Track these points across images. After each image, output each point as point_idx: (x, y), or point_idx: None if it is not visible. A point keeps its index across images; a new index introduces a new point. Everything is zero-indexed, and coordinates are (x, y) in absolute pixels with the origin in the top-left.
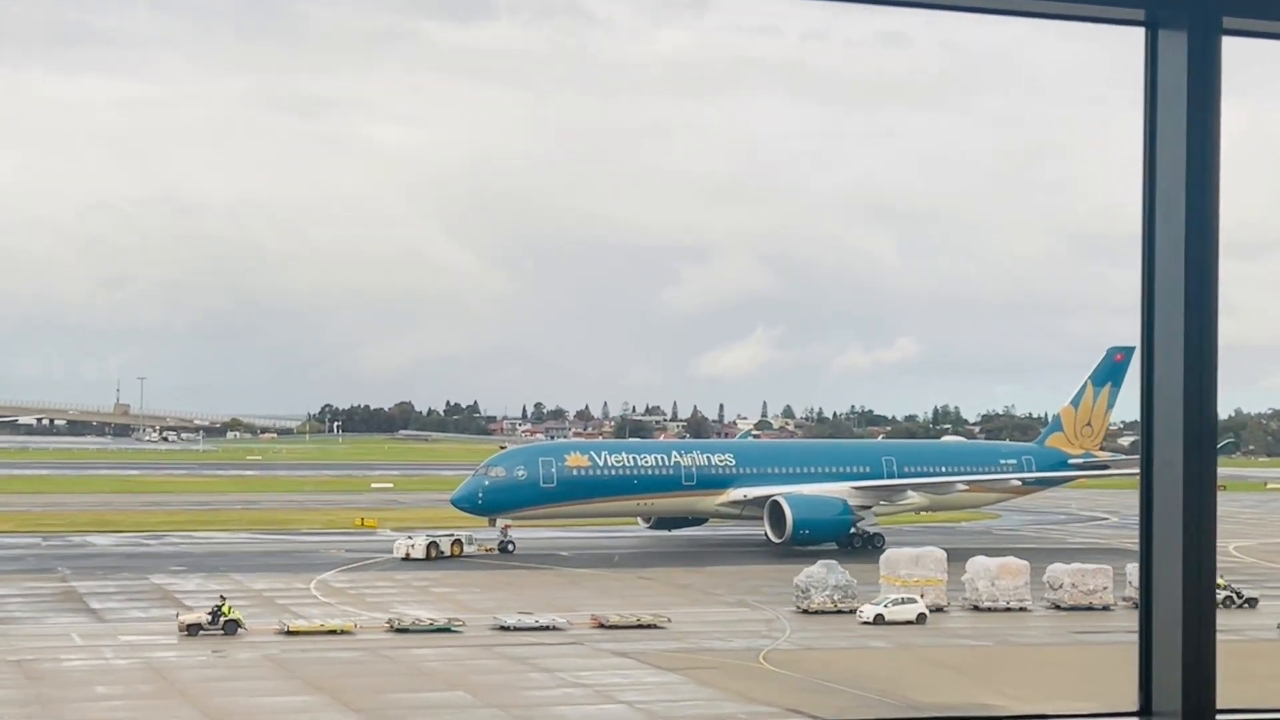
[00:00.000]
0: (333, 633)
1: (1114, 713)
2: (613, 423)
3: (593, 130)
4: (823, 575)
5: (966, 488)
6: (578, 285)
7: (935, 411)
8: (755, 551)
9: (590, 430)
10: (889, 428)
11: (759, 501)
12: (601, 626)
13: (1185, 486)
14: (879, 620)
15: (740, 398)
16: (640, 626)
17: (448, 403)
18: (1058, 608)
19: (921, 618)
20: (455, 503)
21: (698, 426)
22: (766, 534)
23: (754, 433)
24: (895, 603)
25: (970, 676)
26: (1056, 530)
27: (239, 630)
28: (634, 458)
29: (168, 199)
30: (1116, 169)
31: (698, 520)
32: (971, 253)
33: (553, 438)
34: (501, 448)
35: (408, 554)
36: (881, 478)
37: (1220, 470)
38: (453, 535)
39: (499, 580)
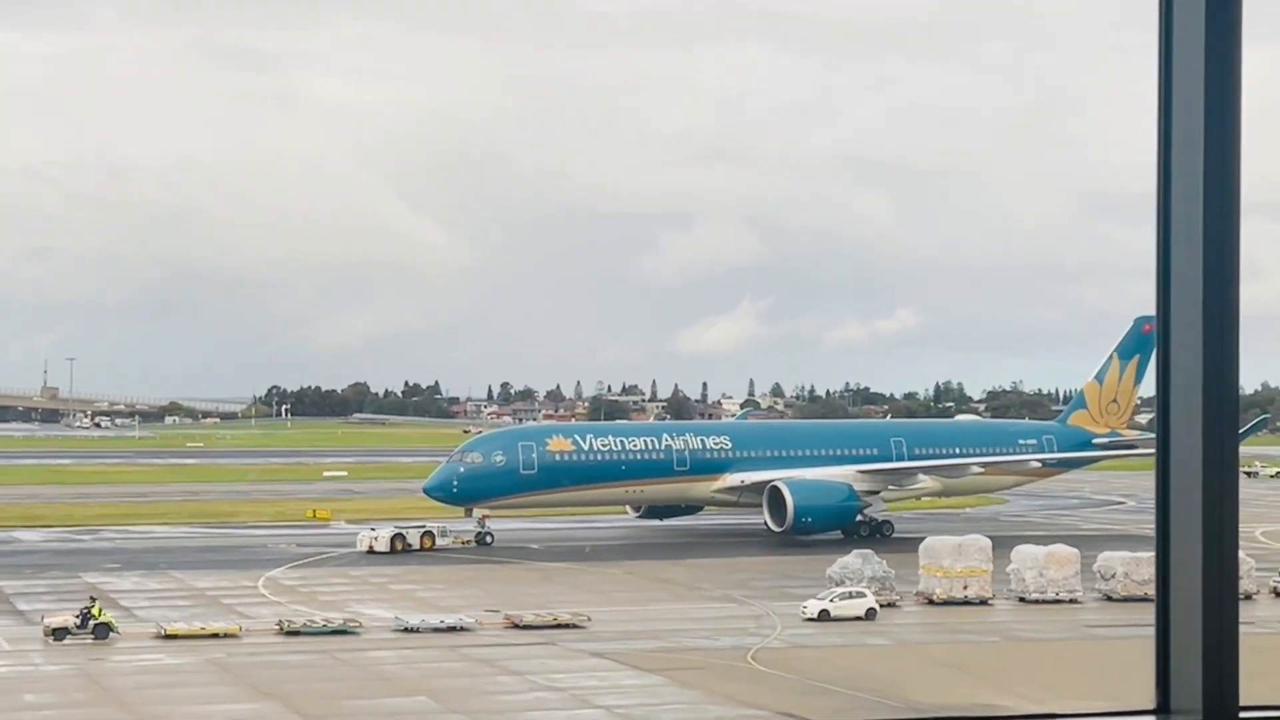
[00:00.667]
0: (215, 636)
1: (1130, 711)
2: (587, 404)
3: (562, 85)
4: (858, 566)
5: (982, 470)
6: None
7: (937, 388)
8: (751, 542)
9: (562, 412)
10: (887, 407)
11: (757, 487)
12: (516, 626)
13: (1205, 467)
14: (824, 616)
15: (725, 376)
16: (557, 626)
17: (406, 383)
18: (1109, 598)
19: (870, 613)
20: (428, 491)
21: (679, 407)
22: (766, 523)
23: (751, 412)
24: (843, 597)
25: (975, 676)
26: (1068, 516)
27: (110, 635)
28: (622, 441)
29: (97, 162)
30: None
31: (691, 508)
32: (976, 215)
33: (521, 420)
34: (465, 432)
35: (371, 547)
36: (890, 460)
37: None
38: (423, 527)
39: (465, 576)
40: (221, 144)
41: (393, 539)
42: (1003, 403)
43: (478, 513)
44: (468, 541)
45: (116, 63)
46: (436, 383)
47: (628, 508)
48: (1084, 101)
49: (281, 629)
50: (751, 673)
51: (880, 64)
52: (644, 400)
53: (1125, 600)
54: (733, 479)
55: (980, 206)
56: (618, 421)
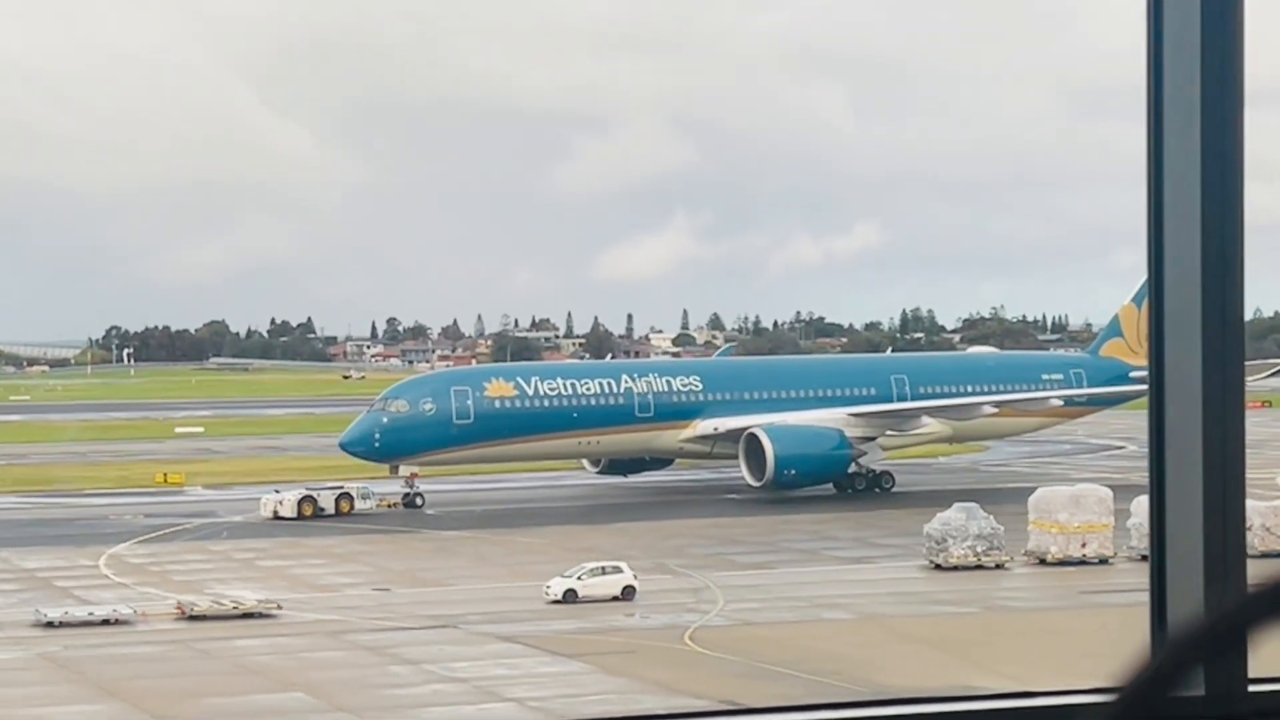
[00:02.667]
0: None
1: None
2: (489, 342)
3: None
4: (962, 522)
5: (996, 411)
6: (440, 166)
7: (904, 317)
8: (714, 500)
9: (460, 352)
10: (845, 339)
11: (734, 435)
12: (189, 618)
13: (1205, 405)
14: (570, 597)
15: (653, 306)
16: (240, 616)
17: (273, 320)
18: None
19: (628, 592)
20: (345, 446)
21: (600, 343)
22: (744, 476)
23: (734, 349)
24: (593, 573)
25: (950, 652)
26: (1058, 464)
27: None
28: (573, 384)
29: None
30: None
31: (659, 462)
32: (946, 114)
33: (411, 363)
34: (345, 378)
35: (275, 512)
36: (889, 401)
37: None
38: (339, 488)
39: (354, 548)
40: (45, 40)
41: (300, 503)
42: (980, 332)
43: (405, 470)
44: (394, 504)
45: None
46: (309, 320)
47: (585, 462)
48: None
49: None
50: (689, 655)
51: None
52: (557, 336)
53: (1264, 556)
54: (704, 426)
55: (950, 104)
56: (569, 361)
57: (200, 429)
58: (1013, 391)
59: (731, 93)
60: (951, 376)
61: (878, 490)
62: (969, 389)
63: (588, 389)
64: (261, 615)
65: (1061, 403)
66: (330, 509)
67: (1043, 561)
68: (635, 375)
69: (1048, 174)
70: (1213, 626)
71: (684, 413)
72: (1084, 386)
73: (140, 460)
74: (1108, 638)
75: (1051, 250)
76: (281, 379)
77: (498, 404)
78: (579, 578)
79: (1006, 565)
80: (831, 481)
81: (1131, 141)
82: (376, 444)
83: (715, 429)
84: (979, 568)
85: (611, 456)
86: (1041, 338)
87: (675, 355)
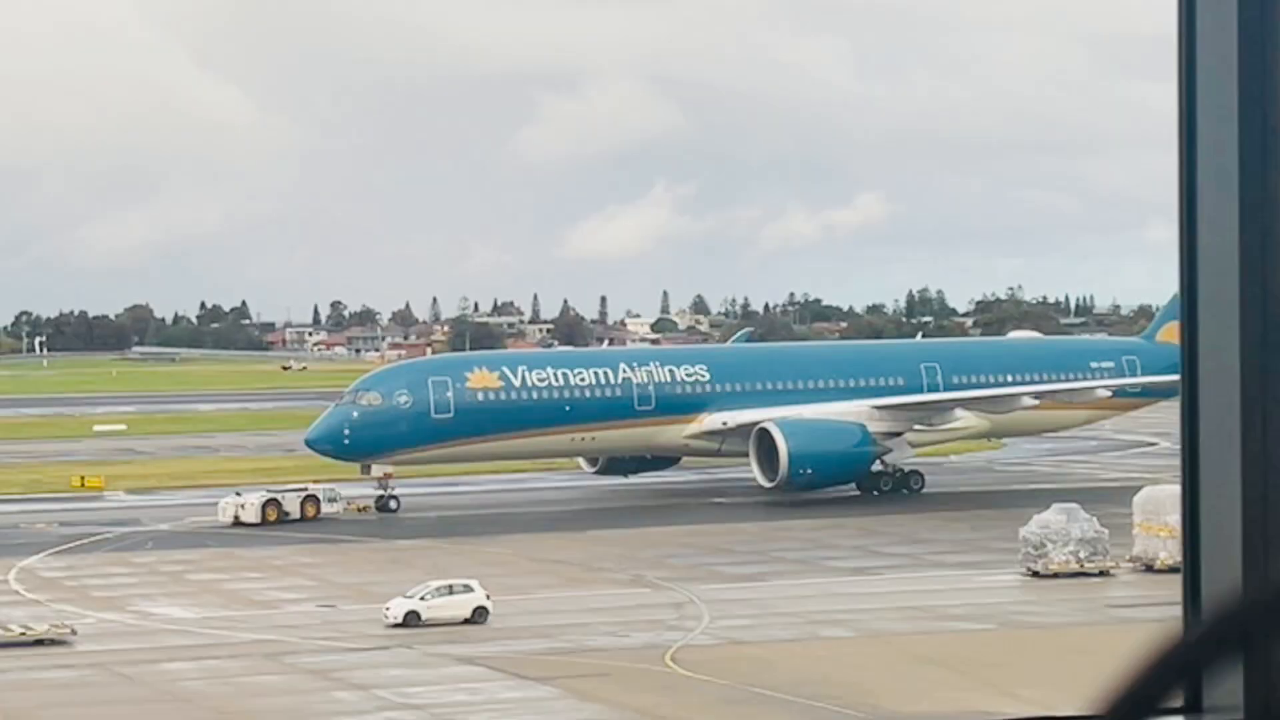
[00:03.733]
0: None
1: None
2: (446, 328)
3: None
4: (1062, 525)
5: (1037, 403)
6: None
7: (910, 299)
8: (707, 505)
9: (414, 340)
10: (844, 324)
11: (744, 431)
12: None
13: (1243, 393)
14: (412, 620)
15: (630, 287)
16: (29, 644)
17: (203, 304)
18: None
19: (480, 614)
20: (311, 444)
21: (570, 329)
22: (755, 476)
23: (749, 335)
24: (439, 593)
25: (959, 673)
26: (1081, 463)
27: None
28: (564, 374)
29: None
30: None
31: (664, 460)
32: (958, 70)
33: (358, 352)
34: (285, 368)
35: (237, 517)
36: (920, 392)
37: None
38: (304, 490)
39: (299, 559)
40: None
41: (264, 506)
42: (994, 315)
43: (378, 469)
44: (365, 508)
45: None
46: (243, 304)
47: (581, 461)
48: None
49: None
50: (670, 679)
51: None
52: (522, 321)
53: None
54: (712, 420)
55: (963, 59)
56: (560, 349)
57: (122, 426)
58: (1058, 381)
59: (718, 47)
60: (989, 364)
61: (905, 491)
62: (1008, 379)
63: (582, 379)
64: (53, 642)
65: (1110, 393)
66: (295, 513)
67: (1150, 568)
68: (634, 364)
69: (1073, 137)
70: (1203, 638)
71: (689, 405)
72: (1137, 375)
73: (55, 462)
74: None
75: (1076, 223)
76: (213, 370)
77: (481, 396)
78: (422, 598)
79: (1112, 572)
80: (854, 482)
81: (1168, 99)
82: (346, 441)
83: (724, 423)
84: (1081, 574)
85: (609, 454)
86: (1064, 321)
87: (654, 342)
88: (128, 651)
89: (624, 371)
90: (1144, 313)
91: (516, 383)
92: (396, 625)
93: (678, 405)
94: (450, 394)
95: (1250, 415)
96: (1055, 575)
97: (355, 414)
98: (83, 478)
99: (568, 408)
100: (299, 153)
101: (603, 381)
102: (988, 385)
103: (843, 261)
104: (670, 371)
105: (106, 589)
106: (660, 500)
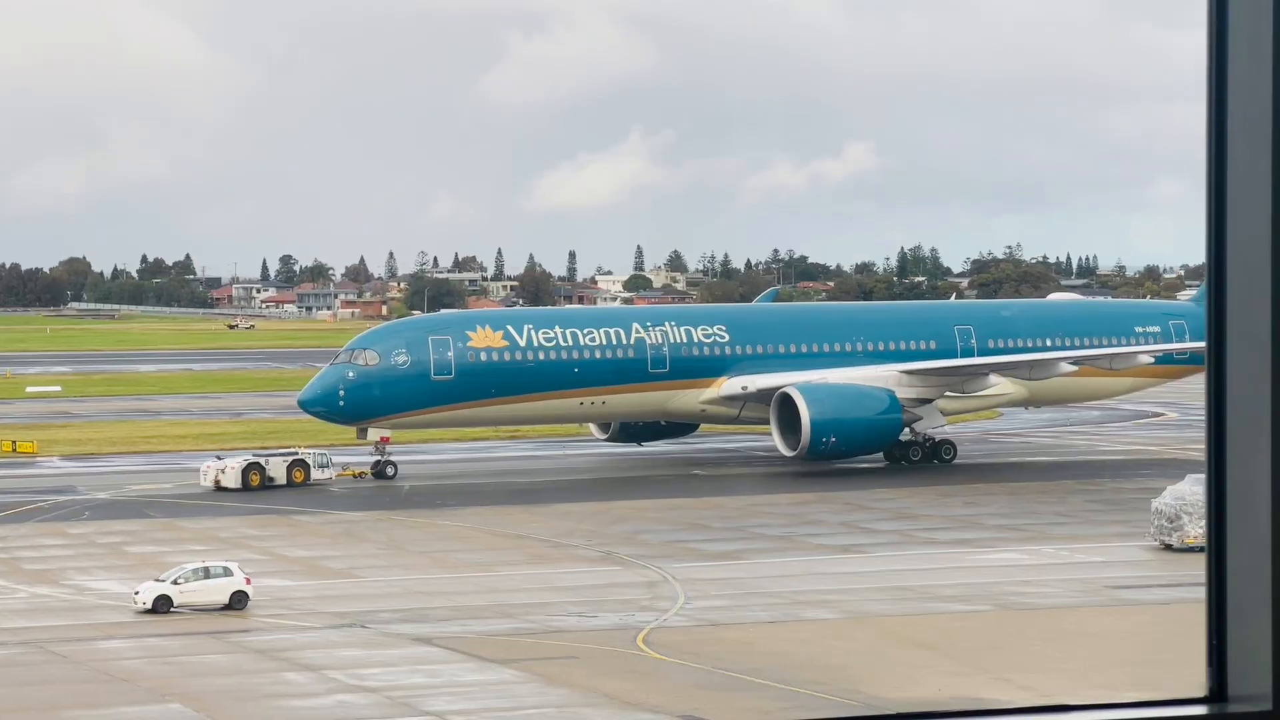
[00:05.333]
0: None
1: (1172, 700)
2: (403, 285)
3: None
4: (1197, 497)
5: (1075, 369)
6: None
7: (902, 256)
8: (684, 478)
9: (369, 296)
10: (832, 283)
11: (765, 396)
12: None
13: (1275, 367)
14: (163, 606)
15: (601, 242)
16: None
17: (144, 258)
18: None
19: (239, 599)
20: (305, 405)
21: (536, 287)
22: (776, 444)
23: (774, 293)
24: (195, 576)
25: (952, 657)
26: (1083, 435)
27: None
28: (573, 334)
29: None
30: None
31: (680, 427)
32: (956, 10)
33: (310, 309)
34: (231, 327)
35: (217, 482)
36: (953, 356)
37: None
38: (293, 454)
39: (246, 531)
40: None
41: (246, 471)
42: (992, 276)
43: (374, 433)
44: (362, 473)
45: None
46: (187, 257)
47: (592, 427)
48: None
49: None
50: (642, 662)
51: None
52: (485, 278)
53: None
54: (731, 384)
55: None
56: (569, 306)
57: (57, 388)
58: (1102, 346)
59: None
60: (1028, 328)
61: (936, 461)
62: (1048, 343)
63: (592, 339)
64: None
65: (1154, 360)
66: (281, 479)
67: None
68: (648, 323)
69: (1079, 85)
70: None
71: (706, 368)
72: (1185, 340)
73: None
74: None
75: (1079, 178)
76: (155, 328)
77: (484, 356)
78: (175, 581)
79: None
80: (881, 451)
81: (1180, 45)
82: (341, 402)
83: (743, 388)
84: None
85: (621, 420)
86: (1065, 283)
87: (628, 301)
88: (62, 629)
89: (637, 331)
90: (1151, 274)
91: (522, 342)
92: (146, 611)
93: (694, 368)
94: (451, 354)
95: None
96: (1190, 549)
97: (351, 374)
98: (14, 442)
99: (576, 369)
100: (249, 96)
101: (614, 342)
102: (1025, 350)
103: (831, 216)
104: (687, 332)
105: (39, 561)
106: (643, 471)
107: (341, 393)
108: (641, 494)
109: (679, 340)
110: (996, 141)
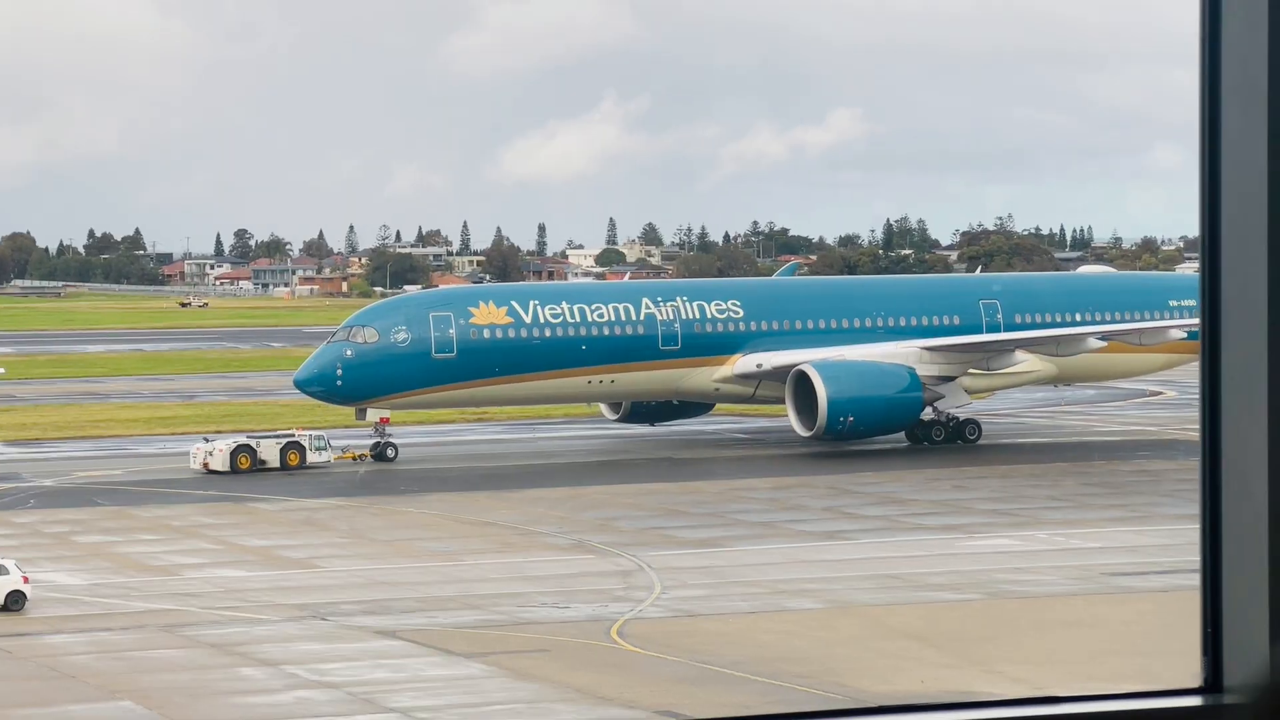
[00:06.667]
0: None
1: (1165, 690)
2: (364, 260)
3: None
4: None
5: (1104, 345)
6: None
7: (888, 229)
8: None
9: (329, 273)
10: (814, 256)
11: (782, 374)
12: None
13: (1271, 343)
14: None
15: (572, 214)
16: None
17: (92, 233)
18: None
19: (15, 599)
20: (301, 384)
21: (504, 261)
22: (792, 424)
23: (796, 267)
24: None
25: (941, 649)
26: (1076, 414)
27: None
28: (581, 310)
29: None
30: None
31: (695, 407)
32: None
33: (266, 286)
34: (183, 305)
35: (205, 464)
36: (978, 332)
37: None
38: (289, 435)
39: (203, 519)
40: None
41: (234, 454)
42: (982, 248)
43: (373, 414)
44: (362, 455)
45: None
46: (137, 232)
47: (603, 407)
48: None
49: None
50: (617, 655)
51: None
52: (450, 253)
53: None
54: (746, 362)
55: None
56: (576, 281)
57: (1, 370)
58: (1136, 321)
59: None
60: (1056, 302)
61: (960, 441)
62: (1077, 318)
63: (600, 315)
64: None
65: (1185, 335)
66: (274, 462)
67: None
68: (659, 299)
69: (1073, 48)
70: None
71: (720, 345)
72: None
73: None
74: None
75: (1073, 146)
76: (103, 306)
77: (487, 333)
78: None
79: None
80: (902, 431)
81: (1178, 5)
82: (339, 382)
83: (758, 365)
84: None
85: (631, 399)
86: (1059, 255)
87: (600, 276)
88: (5, 623)
89: (647, 307)
90: (1148, 246)
91: (527, 319)
92: None
93: (707, 345)
94: (453, 331)
95: (1278, 359)
96: None
97: (349, 352)
98: None
99: (583, 347)
100: (202, 63)
101: (623, 318)
102: (1055, 325)
103: (813, 187)
104: (699, 307)
105: None
106: (620, 455)
107: (339, 372)
108: (616, 478)
109: (691, 316)
110: (987, 107)
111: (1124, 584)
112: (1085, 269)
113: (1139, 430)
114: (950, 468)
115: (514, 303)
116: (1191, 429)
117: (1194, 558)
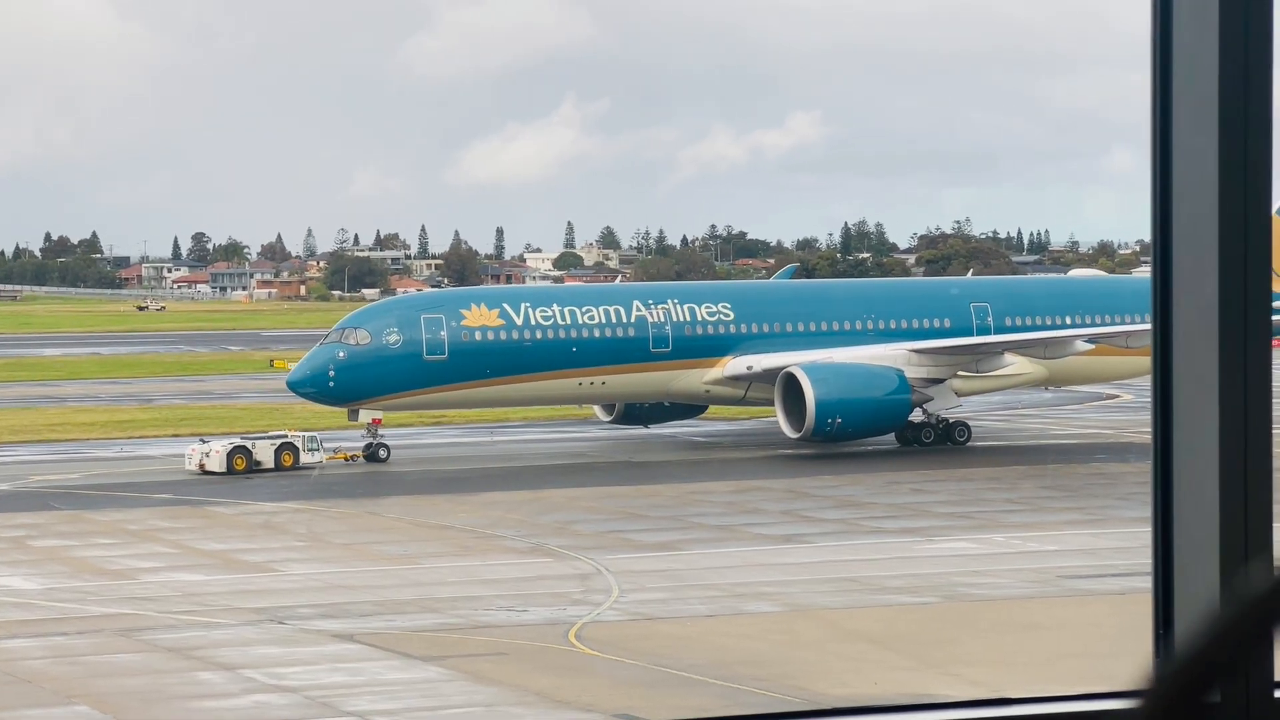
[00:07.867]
0: None
1: (1111, 692)
2: (322, 264)
3: None
4: None
5: (1092, 347)
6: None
7: (846, 232)
8: (621, 465)
9: (286, 276)
10: (772, 260)
11: (772, 376)
12: None
13: (1222, 346)
14: None
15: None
16: None
17: (48, 236)
18: None
19: None
20: (294, 386)
21: (462, 265)
22: (782, 426)
23: (793, 270)
24: None
25: (898, 652)
26: (1034, 417)
27: None
28: (571, 312)
29: None
30: None
31: (687, 409)
32: None
33: (224, 290)
34: (141, 308)
35: (201, 465)
36: (968, 335)
37: None
38: (282, 437)
39: (161, 524)
40: None
41: (230, 455)
42: (940, 251)
43: (365, 415)
44: (354, 456)
45: None
46: (94, 235)
47: (596, 409)
48: None
49: None
50: (575, 658)
51: None
52: (408, 256)
53: None
54: (736, 364)
55: None
56: (566, 284)
57: None
58: (1127, 324)
59: None
60: (1049, 304)
61: (949, 443)
62: (1068, 320)
63: (590, 318)
64: None
65: None
66: (269, 463)
67: None
68: (650, 301)
69: (1029, 52)
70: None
71: (710, 348)
72: None
73: None
74: None
75: (1030, 149)
76: (59, 310)
77: (478, 335)
78: None
79: None
80: (892, 433)
81: (1132, 10)
82: (331, 383)
83: (749, 368)
84: None
85: (622, 401)
86: (1016, 259)
87: (558, 280)
88: None
89: (638, 309)
90: (1105, 250)
91: (518, 321)
92: None
93: (698, 347)
94: (444, 333)
95: (1228, 369)
96: None
97: (341, 354)
98: None
99: (574, 349)
100: (159, 64)
101: (614, 320)
102: (1047, 328)
103: (772, 190)
104: (690, 309)
105: None
106: (580, 458)
107: (332, 373)
108: (574, 482)
109: (682, 318)
110: (945, 110)
111: (1080, 586)
112: (1076, 272)
113: (1095, 434)
114: (910, 471)
115: (505, 305)
116: (1149, 432)
117: (1149, 561)
